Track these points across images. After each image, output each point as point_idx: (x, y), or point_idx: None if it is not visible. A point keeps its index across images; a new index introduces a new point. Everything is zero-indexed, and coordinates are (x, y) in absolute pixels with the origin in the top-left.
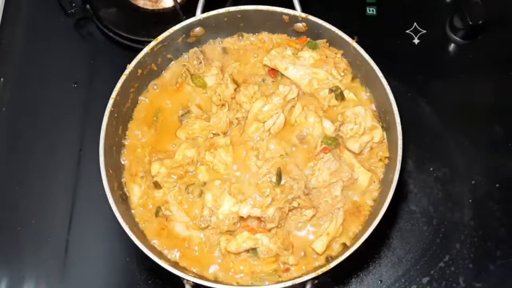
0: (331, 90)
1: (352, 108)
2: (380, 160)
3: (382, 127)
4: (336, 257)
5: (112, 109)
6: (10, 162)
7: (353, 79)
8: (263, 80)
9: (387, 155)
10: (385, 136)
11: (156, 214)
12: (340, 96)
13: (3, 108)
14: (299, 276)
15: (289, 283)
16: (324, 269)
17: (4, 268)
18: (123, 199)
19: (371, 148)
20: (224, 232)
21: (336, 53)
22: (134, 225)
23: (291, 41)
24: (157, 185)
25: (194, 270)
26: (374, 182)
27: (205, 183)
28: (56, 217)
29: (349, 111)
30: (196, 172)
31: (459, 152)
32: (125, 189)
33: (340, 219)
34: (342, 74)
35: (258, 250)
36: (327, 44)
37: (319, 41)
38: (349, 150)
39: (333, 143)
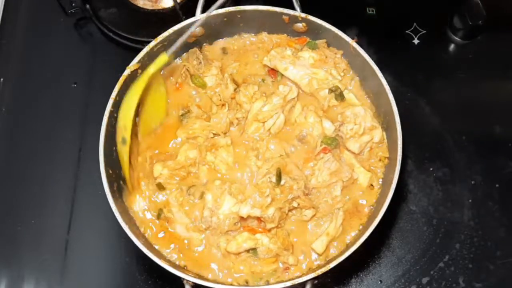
0: (330, 90)
1: (352, 108)
2: (380, 160)
3: (382, 127)
4: (336, 257)
5: (112, 109)
6: (10, 162)
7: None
8: (263, 80)
9: (387, 155)
10: (385, 136)
11: (158, 216)
12: (340, 96)
13: (3, 108)
14: (299, 276)
15: (289, 283)
16: (324, 269)
17: (4, 268)
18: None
19: (371, 148)
20: (224, 232)
21: (336, 53)
22: (134, 225)
23: (291, 41)
24: (160, 187)
25: (194, 270)
26: (374, 182)
27: (206, 183)
28: (56, 217)
29: (349, 111)
30: (198, 172)
31: (459, 152)
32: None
33: (340, 219)
34: (342, 74)
35: (258, 250)
36: (327, 44)
37: (318, 41)
38: (349, 150)
39: (333, 143)
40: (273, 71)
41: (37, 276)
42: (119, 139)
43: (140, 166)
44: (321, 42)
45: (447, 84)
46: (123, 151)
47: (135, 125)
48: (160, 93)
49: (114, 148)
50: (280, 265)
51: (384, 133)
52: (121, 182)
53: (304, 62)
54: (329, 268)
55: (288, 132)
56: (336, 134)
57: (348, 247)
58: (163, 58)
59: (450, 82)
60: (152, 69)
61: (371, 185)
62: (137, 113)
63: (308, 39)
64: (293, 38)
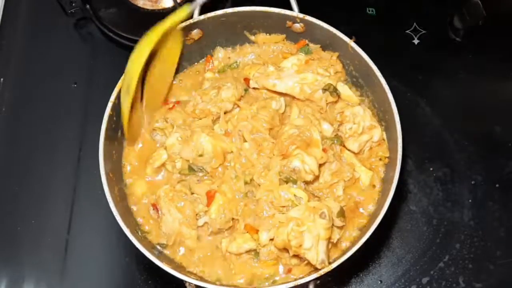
0: (324, 90)
1: (351, 108)
2: (380, 159)
3: (381, 125)
4: (339, 257)
5: (111, 113)
6: (10, 162)
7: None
8: (246, 90)
9: (387, 154)
10: (384, 136)
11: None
12: (335, 92)
13: (3, 108)
14: (302, 277)
15: (292, 284)
16: (327, 269)
17: (4, 268)
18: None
19: (371, 148)
20: (216, 231)
21: (331, 56)
22: (134, 227)
23: (286, 54)
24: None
25: (194, 271)
26: (376, 180)
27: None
28: (56, 217)
29: (348, 111)
30: None
31: (459, 152)
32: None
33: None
34: (332, 71)
35: (260, 252)
36: (321, 48)
37: (312, 46)
38: (349, 150)
39: (338, 141)
40: (247, 80)
41: (37, 276)
42: (123, 87)
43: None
44: (315, 48)
45: (447, 84)
46: (126, 100)
47: (143, 79)
48: (174, 52)
49: (113, 151)
50: (281, 268)
51: (384, 133)
52: (120, 132)
53: (289, 71)
54: (331, 268)
55: None
56: (335, 134)
57: (350, 247)
58: (184, 9)
59: (450, 82)
60: (169, 22)
61: (373, 185)
62: (145, 69)
63: (306, 41)
64: (289, 43)
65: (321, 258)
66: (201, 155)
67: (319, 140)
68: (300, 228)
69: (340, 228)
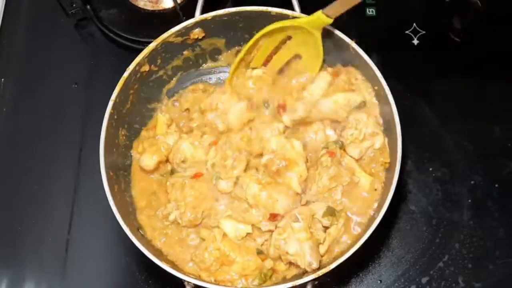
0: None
1: (354, 114)
2: (382, 165)
3: (383, 131)
4: (337, 257)
5: (112, 111)
6: (10, 162)
7: None
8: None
9: (388, 160)
10: (386, 143)
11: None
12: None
13: (3, 108)
14: (300, 277)
15: (290, 284)
16: (325, 270)
17: (4, 268)
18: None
19: (373, 155)
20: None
21: (356, 79)
22: (134, 226)
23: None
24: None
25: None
26: (377, 185)
27: None
28: (56, 217)
29: (351, 117)
30: None
31: (459, 152)
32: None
33: (342, 220)
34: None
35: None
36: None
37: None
38: (350, 156)
39: (336, 144)
40: (283, 106)
41: (37, 276)
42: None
43: None
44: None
45: (446, 85)
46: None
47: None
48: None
49: (114, 149)
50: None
51: (386, 139)
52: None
53: (318, 96)
54: (330, 269)
55: None
56: (337, 139)
57: (349, 247)
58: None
59: (449, 83)
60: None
61: (374, 189)
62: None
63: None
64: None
65: (308, 260)
66: (183, 161)
67: (300, 152)
68: (281, 236)
69: (328, 228)
